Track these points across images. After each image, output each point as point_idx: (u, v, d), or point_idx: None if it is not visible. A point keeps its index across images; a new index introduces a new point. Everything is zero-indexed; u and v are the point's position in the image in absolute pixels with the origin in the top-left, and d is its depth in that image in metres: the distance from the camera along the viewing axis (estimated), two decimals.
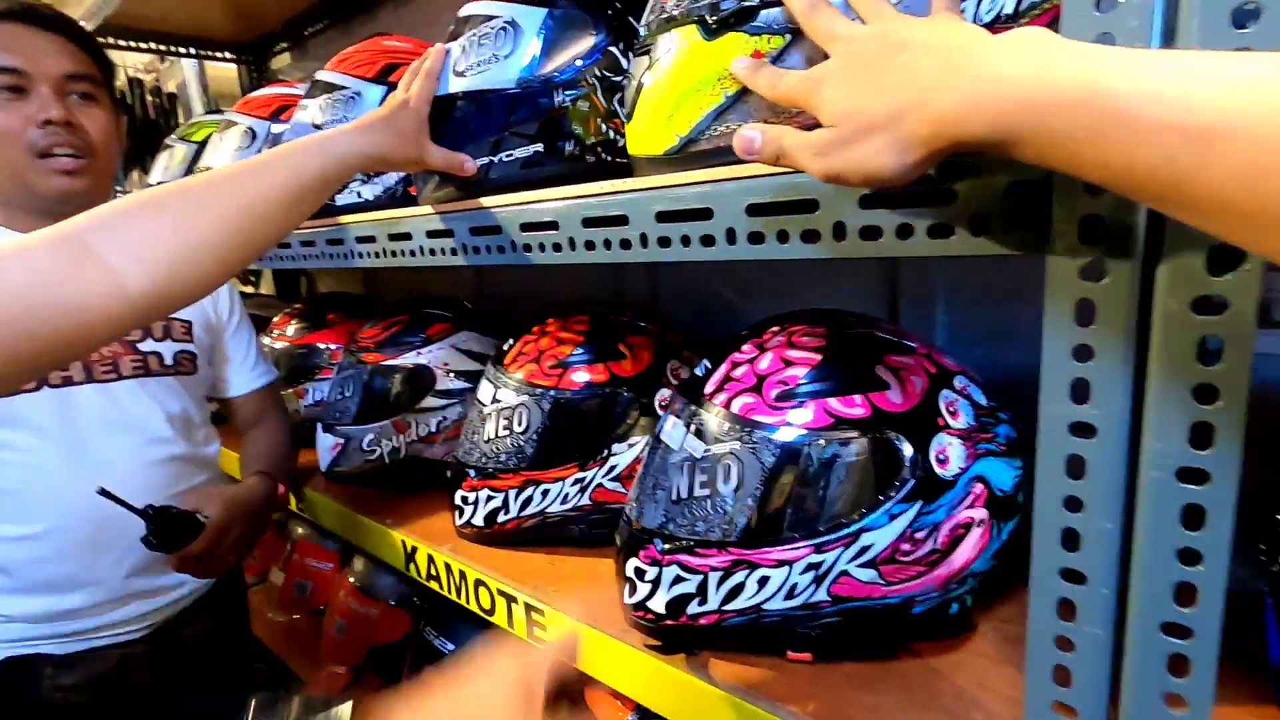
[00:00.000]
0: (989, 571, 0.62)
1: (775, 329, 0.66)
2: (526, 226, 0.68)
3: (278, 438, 1.20)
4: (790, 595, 0.58)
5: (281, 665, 1.53)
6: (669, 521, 0.62)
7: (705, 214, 0.53)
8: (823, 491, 0.57)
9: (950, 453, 0.58)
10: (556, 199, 0.64)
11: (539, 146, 0.78)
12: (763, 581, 0.58)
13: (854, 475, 0.57)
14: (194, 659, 1.06)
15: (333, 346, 1.38)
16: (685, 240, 0.55)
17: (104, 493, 0.87)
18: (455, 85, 0.79)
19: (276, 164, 0.63)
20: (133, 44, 1.80)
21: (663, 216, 0.56)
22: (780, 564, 0.57)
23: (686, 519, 0.61)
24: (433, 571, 0.92)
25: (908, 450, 0.57)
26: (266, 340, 1.43)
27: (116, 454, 0.97)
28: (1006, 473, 0.61)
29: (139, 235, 0.54)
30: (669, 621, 0.63)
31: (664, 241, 0.57)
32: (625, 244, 0.60)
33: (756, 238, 0.51)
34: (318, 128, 1.07)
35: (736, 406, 0.60)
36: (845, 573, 0.57)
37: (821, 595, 0.58)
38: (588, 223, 0.62)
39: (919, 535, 0.57)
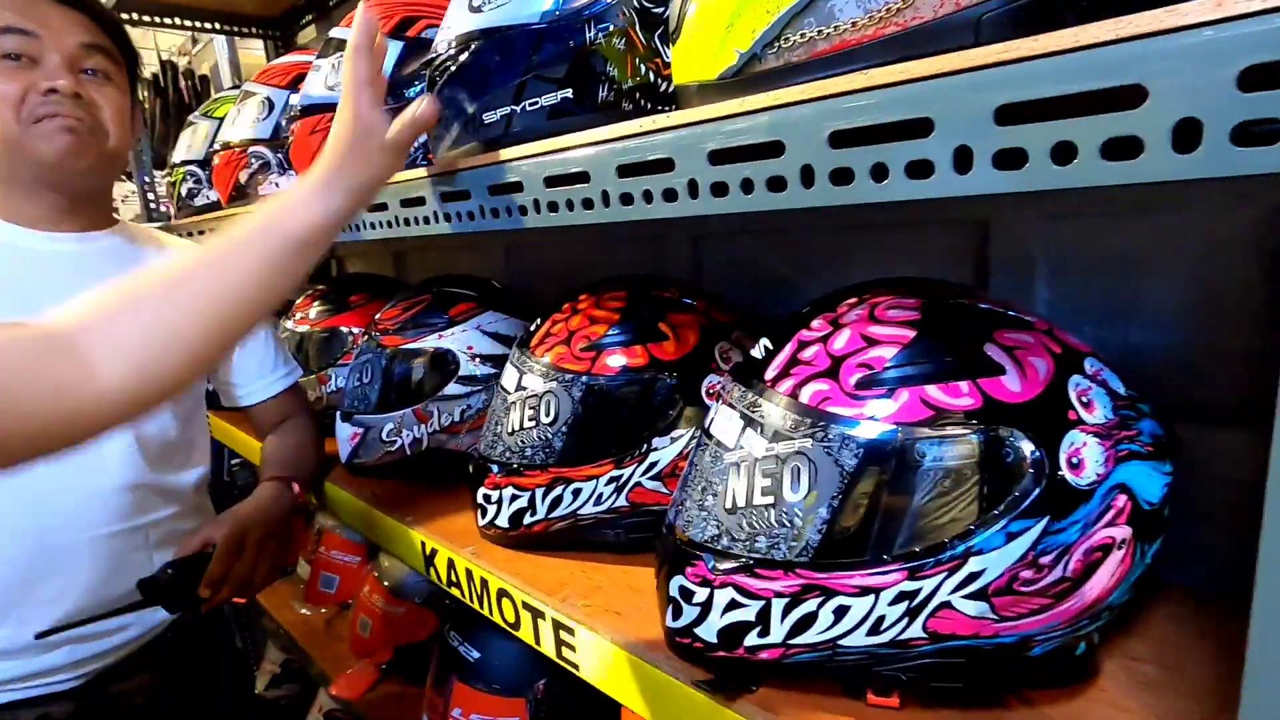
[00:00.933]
0: (1127, 603, 0.50)
1: (852, 300, 0.54)
2: (552, 180, 0.57)
3: (298, 439, 1.10)
4: (875, 630, 0.47)
5: (307, 661, 1.48)
6: (722, 534, 0.51)
7: (774, 149, 0.41)
8: (919, 503, 0.45)
9: (1086, 455, 0.45)
10: (586, 144, 0.53)
11: (568, 92, 0.67)
12: (840, 612, 0.47)
13: (960, 483, 0.45)
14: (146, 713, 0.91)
15: (356, 330, 1.31)
16: (747, 185, 0.44)
17: (155, 596, 0.81)
18: (471, 22, 0.68)
19: (246, 250, 0.58)
20: (158, 20, 1.75)
21: (718, 157, 0.45)
22: (863, 591, 0.46)
23: (744, 532, 0.50)
24: (453, 578, 0.83)
25: (1031, 451, 0.44)
26: (288, 324, 1.36)
27: (72, 477, 0.85)
28: (1154, 480, 0.48)
29: (115, 334, 0.53)
30: (721, 653, 0.52)
31: (719, 189, 0.45)
32: (670, 195, 0.48)
33: (842, 176, 0.39)
34: (330, 89, 0.98)
35: (806, 395, 0.49)
36: (947, 604, 0.45)
37: (915, 631, 0.46)
38: (624, 171, 0.51)
39: (1044, 560, 0.45)
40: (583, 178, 0.54)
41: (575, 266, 1.26)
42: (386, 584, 1.30)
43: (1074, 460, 0.45)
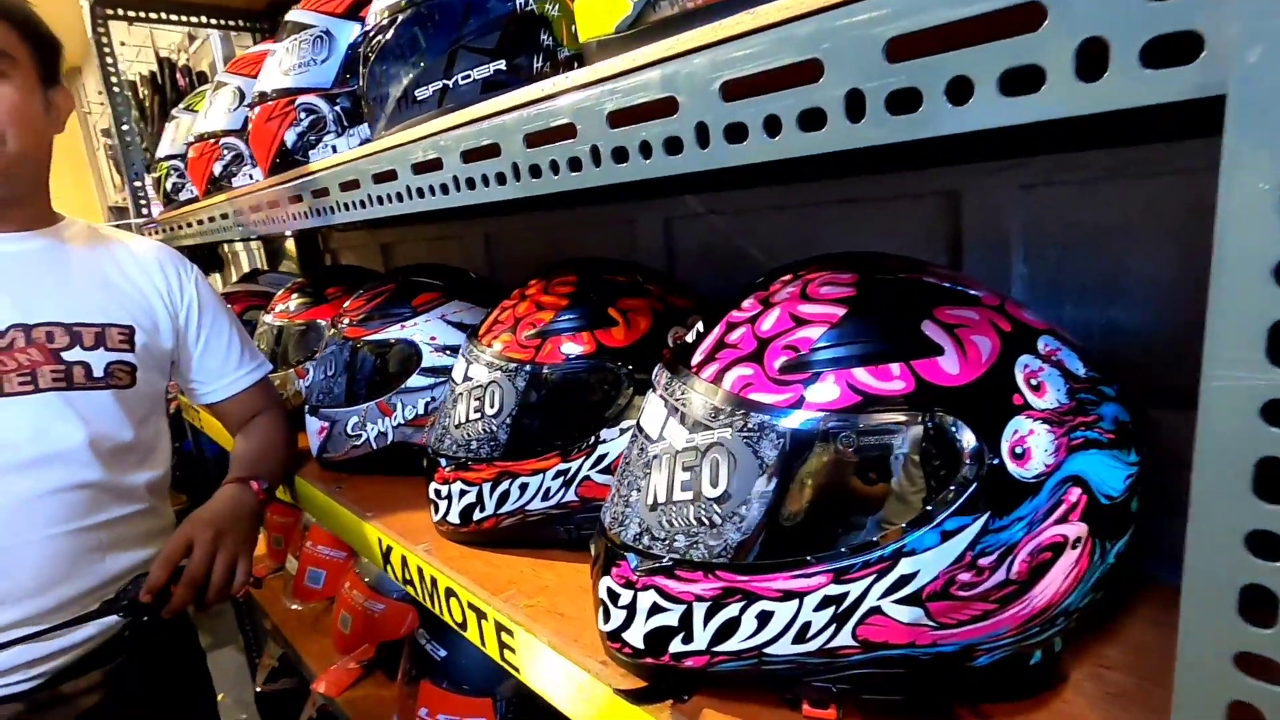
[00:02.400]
0: (1088, 606, 0.45)
1: (787, 277, 0.49)
2: (469, 155, 0.54)
3: (266, 437, 1.08)
4: (801, 638, 0.42)
5: (296, 657, 1.48)
6: (644, 533, 0.47)
7: (667, 106, 0.37)
8: (845, 498, 0.41)
9: (1032, 443, 0.40)
10: (493, 114, 0.49)
11: (500, 64, 0.63)
12: (763, 618, 0.43)
13: (890, 476, 0.40)
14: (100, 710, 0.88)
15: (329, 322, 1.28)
16: (645, 148, 0.39)
17: (114, 606, 0.80)
18: None
19: None
20: (147, 16, 1.74)
21: (617, 118, 0.41)
22: (786, 596, 0.42)
23: (664, 531, 0.46)
24: (407, 575, 0.81)
25: (969, 440, 0.40)
26: (266, 318, 1.35)
27: (24, 479, 0.83)
28: (1115, 471, 0.43)
29: None
30: (649, 659, 0.48)
31: (620, 154, 0.41)
32: (575, 164, 0.44)
33: (737, 133, 0.35)
34: (285, 74, 0.96)
35: (729, 381, 0.45)
36: (877, 610, 0.41)
37: (845, 639, 0.42)
38: (532, 140, 0.47)
39: (984, 561, 0.40)
40: (494, 150, 0.50)
41: (553, 253, 1.23)
42: (366, 580, 1.28)
43: (1018, 450, 0.40)
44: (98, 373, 0.89)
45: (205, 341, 1.04)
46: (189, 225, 1.32)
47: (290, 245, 2.15)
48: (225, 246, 2.88)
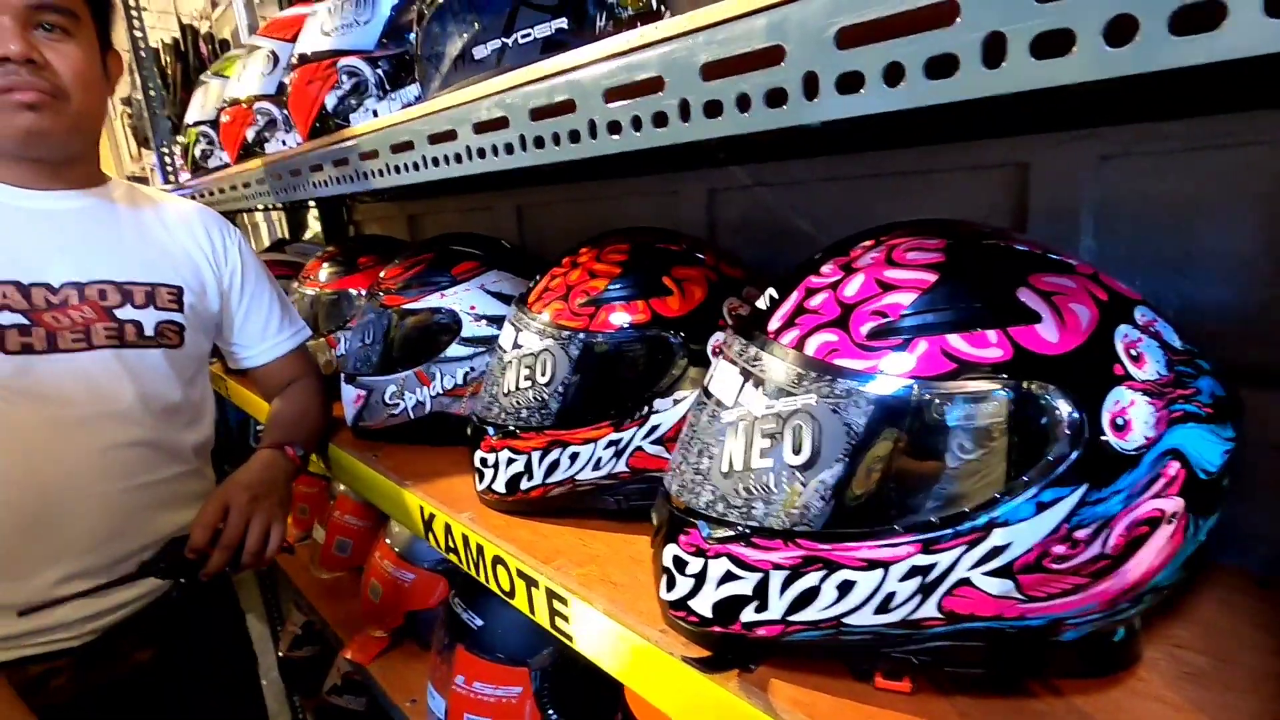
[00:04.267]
0: (1176, 584, 0.44)
1: (868, 243, 0.48)
2: (538, 113, 0.52)
3: (301, 403, 1.08)
4: (884, 608, 0.42)
5: (323, 624, 1.49)
6: (718, 500, 0.47)
7: (773, 56, 0.36)
8: (937, 468, 0.40)
9: (1133, 415, 0.39)
10: (570, 69, 0.48)
11: (562, 21, 0.61)
12: (845, 587, 0.42)
13: (984, 445, 0.39)
14: (142, 683, 0.90)
15: (365, 292, 1.28)
16: (743, 101, 0.38)
17: (152, 567, 0.80)
18: None
19: None
20: None
21: (711, 71, 0.39)
22: (871, 565, 0.41)
23: (740, 498, 0.45)
24: (451, 543, 0.80)
25: (1068, 410, 0.39)
26: (298, 286, 1.34)
27: (81, 435, 0.85)
28: (1213, 446, 0.42)
29: None
30: (717, 628, 0.48)
31: (713, 109, 0.40)
32: (660, 119, 0.43)
33: (851, 83, 0.33)
34: (326, 35, 0.94)
35: (812, 347, 0.44)
36: (966, 581, 0.40)
37: (929, 610, 0.41)
38: (612, 95, 0.46)
39: (1080, 534, 0.39)
40: (568, 107, 0.49)
41: (588, 224, 1.21)
42: (396, 549, 1.29)
43: (1119, 421, 0.39)
44: (149, 331, 0.90)
45: (248, 305, 1.05)
46: (222, 191, 1.31)
47: (314, 215, 2.14)
48: (245, 216, 2.87)
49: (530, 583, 0.68)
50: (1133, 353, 0.41)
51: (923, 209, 0.77)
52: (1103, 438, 0.39)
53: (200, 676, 0.97)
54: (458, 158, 0.63)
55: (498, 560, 0.72)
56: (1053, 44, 0.27)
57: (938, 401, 0.39)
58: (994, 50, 0.28)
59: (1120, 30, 0.25)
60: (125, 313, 0.89)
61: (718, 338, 0.69)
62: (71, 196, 0.90)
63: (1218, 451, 0.42)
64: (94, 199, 0.92)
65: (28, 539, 0.82)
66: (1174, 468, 0.40)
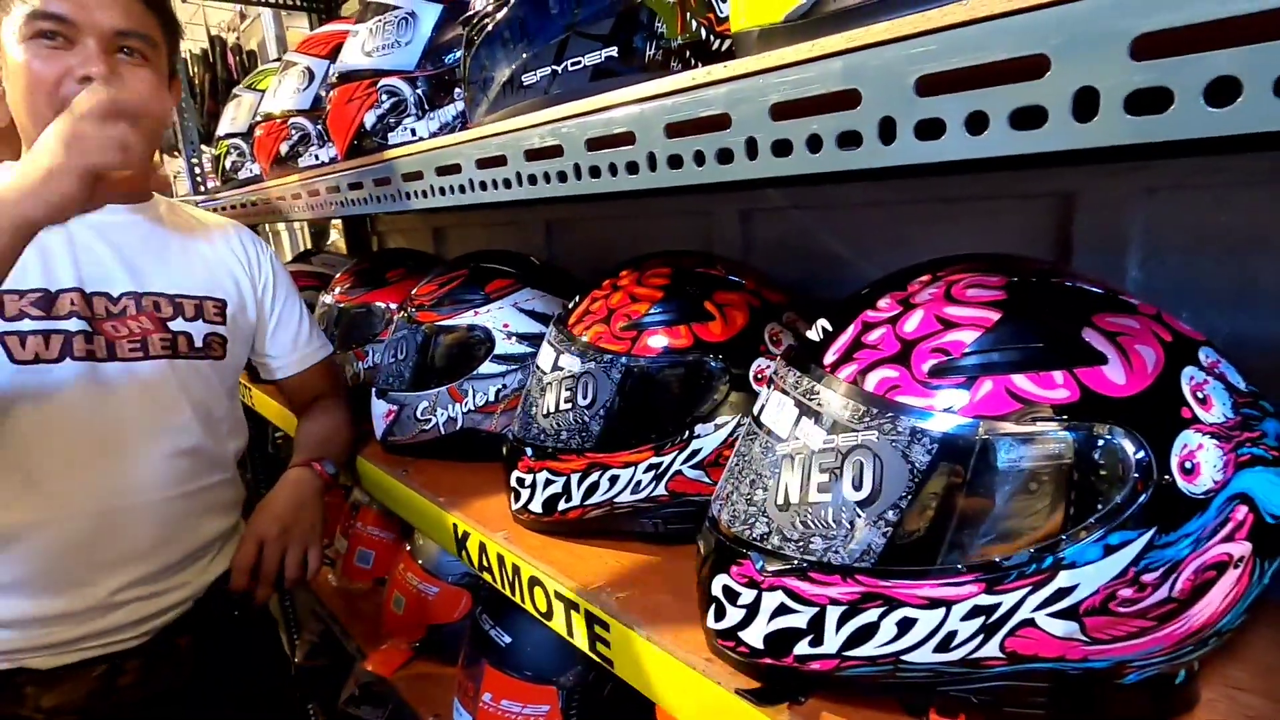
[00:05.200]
0: (1239, 628, 0.44)
1: (925, 278, 0.48)
2: (594, 143, 0.53)
3: (329, 419, 1.10)
4: (945, 647, 0.42)
5: (344, 634, 1.49)
6: (772, 533, 0.47)
7: (848, 99, 0.36)
8: (1001, 508, 0.40)
9: (1201, 458, 0.39)
10: (631, 102, 0.48)
11: (612, 50, 0.62)
12: (905, 625, 0.42)
13: (1050, 486, 0.39)
14: (194, 677, 0.94)
15: (392, 306, 1.29)
16: (814, 142, 0.38)
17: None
18: None
19: None
20: None
21: (781, 111, 0.40)
22: (933, 603, 0.41)
23: (797, 532, 0.45)
24: (485, 561, 0.81)
25: (1136, 453, 0.38)
26: (325, 299, 1.35)
27: (140, 442, 0.87)
28: (1279, 489, 0.42)
29: None
30: (768, 660, 0.48)
31: (781, 148, 0.40)
32: (725, 156, 0.43)
33: (931, 129, 0.34)
34: (367, 55, 0.95)
35: (872, 382, 0.44)
36: (1030, 622, 0.40)
37: (991, 650, 0.41)
38: (674, 130, 0.46)
39: (1148, 577, 0.39)
40: (627, 139, 0.50)
41: (618, 243, 1.22)
42: (420, 562, 1.29)
43: (1187, 465, 0.39)
44: (198, 343, 0.93)
45: (279, 317, 1.07)
46: (254, 204, 1.33)
47: (336, 225, 2.16)
48: (267, 225, 2.90)
49: (570, 606, 0.68)
50: (1199, 395, 0.41)
51: (964, 236, 0.77)
52: (1171, 481, 0.39)
53: (236, 683, 0.99)
54: (506, 183, 0.63)
55: (535, 581, 0.73)
56: (1146, 101, 0.27)
57: (1003, 441, 0.39)
58: (1085, 104, 0.29)
59: (1219, 91, 0.25)
60: (177, 324, 0.91)
61: (760, 363, 0.70)
62: (122, 211, 0.93)
63: None
64: (143, 215, 0.95)
65: (92, 546, 0.85)
66: (1242, 511, 0.40)
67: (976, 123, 0.32)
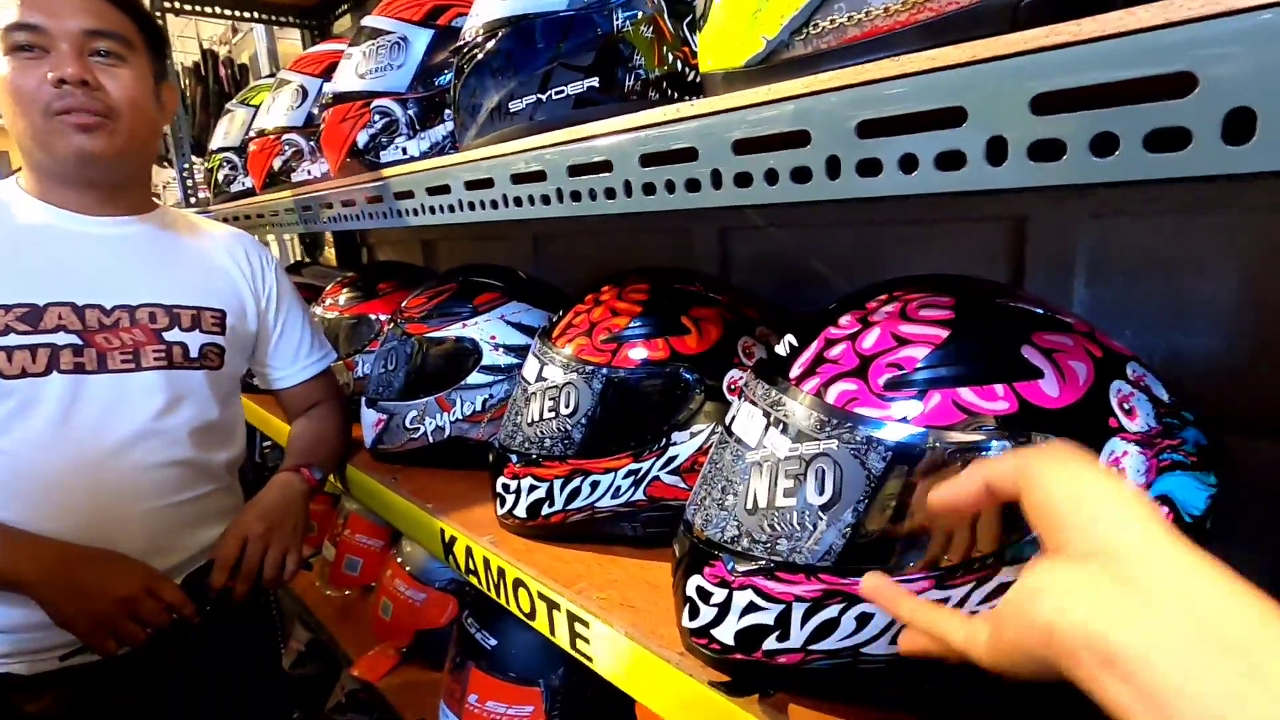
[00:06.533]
0: None
1: (883, 297, 0.52)
2: (575, 170, 0.57)
3: (321, 426, 1.12)
4: (899, 639, 0.45)
5: (331, 642, 1.51)
6: (742, 535, 0.50)
7: (799, 139, 0.40)
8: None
9: (1127, 464, 0.43)
10: (609, 133, 0.52)
11: (594, 80, 0.66)
12: (863, 619, 0.45)
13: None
14: (182, 684, 0.95)
15: (383, 317, 1.32)
16: (771, 176, 0.42)
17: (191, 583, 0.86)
18: (499, 9, 0.68)
19: None
20: (200, 9, 1.78)
21: (742, 146, 0.43)
22: None
23: (765, 534, 0.49)
24: (471, 565, 0.84)
25: None
26: (318, 310, 1.38)
27: (129, 453, 0.88)
28: (1197, 491, 0.46)
29: None
30: (738, 655, 0.51)
31: (743, 180, 0.44)
32: (693, 185, 0.47)
33: (870, 167, 0.37)
34: (361, 77, 0.99)
35: (833, 395, 0.47)
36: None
37: None
38: (647, 160, 0.50)
39: None
40: (605, 167, 0.53)
41: (603, 257, 1.26)
42: (408, 569, 1.31)
43: (1114, 469, 0.43)
44: (194, 353, 0.95)
45: (282, 328, 1.09)
46: (249, 218, 1.36)
47: (328, 237, 2.18)
48: (259, 236, 2.92)
49: (552, 605, 0.71)
50: (1125, 406, 0.45)
51: (929, 255, 0.81)
52: None
53: (229, 679, 1.01)
54: (494, 204, 0.67)
55: (519, 583, 0.76)
56: (1044, 150, 0.31)
57: (948, 449, 0.43)
58: (996, 150, 0.32)
59: (1103, 144, 0.29)
60: (172, 335, 0.93)
61: (733, 375, 0.73)
62: (124, 223, 0.95)
63: (1202, 496, 0.46)
64: (144, 225, 0.97)
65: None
66: (1163, 512, 0.44)
67: (908, 163, 0.36)
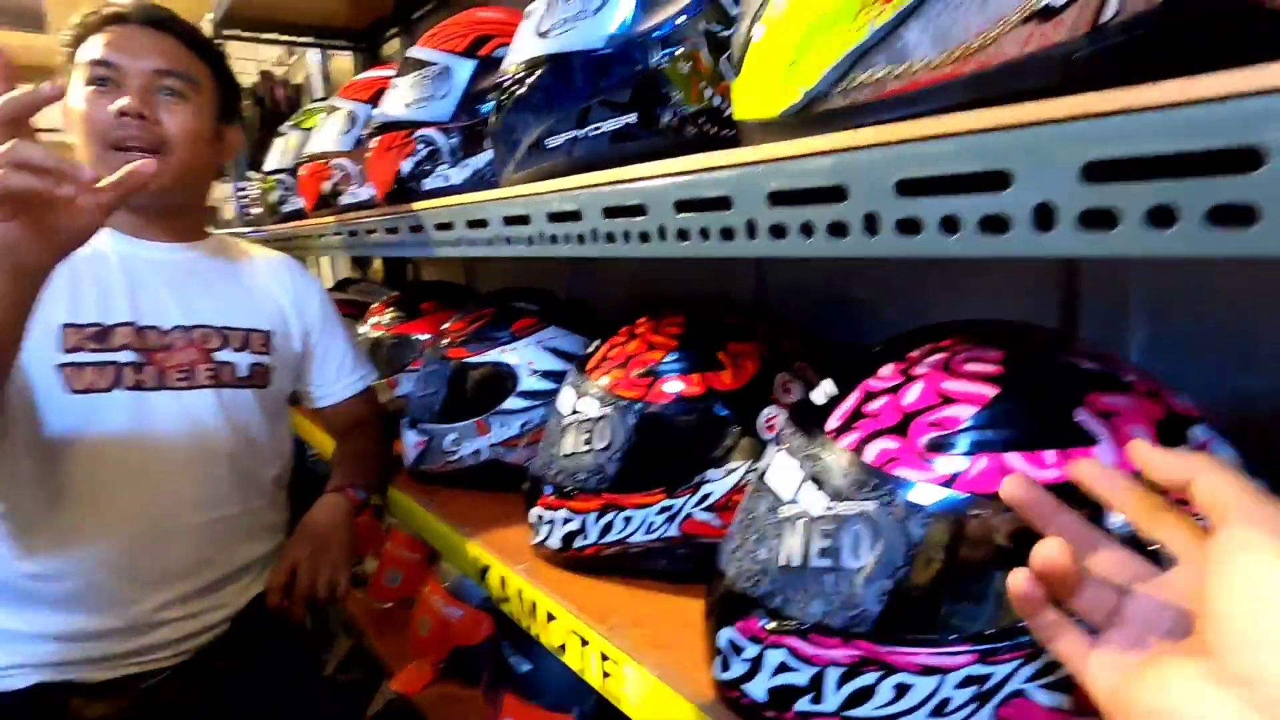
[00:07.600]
0: None
1: (926, 347, 0.50)
2: (610, 211, 0.56)
3: (364, 446, 1.15)
4: (940, 711, 0.43)
5: (373, 649, 1.54)
6: (776, 593, 0.49)
7: (836, 194, 0.39)
8: (993, 580, 0.41)
9: None
10: (643, 178, 0.52)
11: (631, 117, 0.65)
12: (901, 689, 0.43)
13: None
14: (230, 695, 0.98)
15: (425, 337, 1.34)
16: (806, 229, 0.41)
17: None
18: (538, 48, 0.68)
19: None
20: (255, 34, 1.85)
21: (778, 198, 0.42)
22: (927, 671, 0.42)
23: (799, 595, 0.47)
24: (505, 593, 0.84)
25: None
26: (363, 329, 1.41)
27: (182, 466, 0.93)
28: None
29: None
30: (771, 713, 0.50)
31: (778, 231, 0.43)
32: (727, 234, 0.46)
33: (909, 226, 0.36)
34: (406, 106, 1.01)
35: (871, 453, 0.46)
36: (1021, 694, 0.41)
37: (985, 718, 0.42)
38: (682, 206, 0.49)
39: None
40: (640, 210, 0.53)
41: (638, 283, 1.25)
42: (445, 585, 1.33)
43: None
44: (242, 372, 0.99)
45: (325, 349, 1.13)
46: (297, 238, 1.40)
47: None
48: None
49: (583, 641, 0.70)
50: None
51: (974, 285, 0.78)
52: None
53: (273, 682, 1.03)
54: (529, 240, 0.67)
55: (550, 616, 0.75)
56: (1096, 218, 0.29)
57: (994, 516, 0.41)
58: (1043, 217, 0.31)
59: (1160, 217, 0.27)
60: (223, 355, 0.98)
61: (769, 411, 0.72)
62: (178, 249, 1.00)
63: None
64: (197, 252, 1.02)
65: (136, 565, 0.90)
66: None
67: (950, 224, 0.34)
